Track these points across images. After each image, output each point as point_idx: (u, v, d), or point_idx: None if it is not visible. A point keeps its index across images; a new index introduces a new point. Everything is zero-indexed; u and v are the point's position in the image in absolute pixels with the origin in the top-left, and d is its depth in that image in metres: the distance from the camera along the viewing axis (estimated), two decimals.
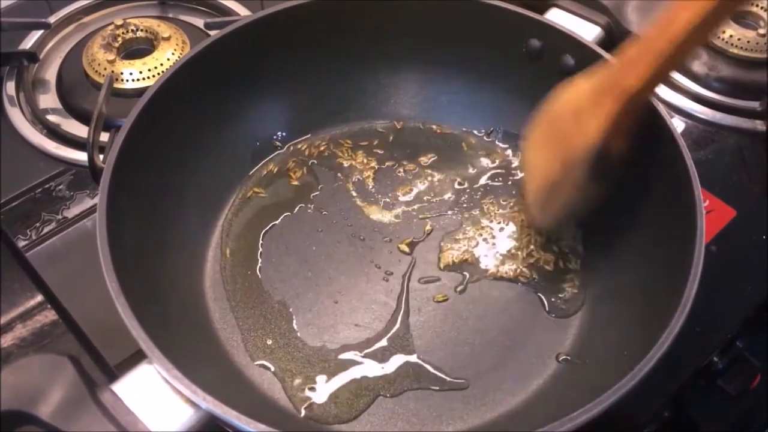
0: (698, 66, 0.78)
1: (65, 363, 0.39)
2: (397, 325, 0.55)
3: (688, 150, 0.51)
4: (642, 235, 0.56)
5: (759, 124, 0.73)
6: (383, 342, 0.54)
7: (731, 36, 0.77)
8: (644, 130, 0.55)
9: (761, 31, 0.77)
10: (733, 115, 0.74)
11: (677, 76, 0.78)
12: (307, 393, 0.51)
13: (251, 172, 0.64)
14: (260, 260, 0.58)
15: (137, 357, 0.43)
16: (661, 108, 0.54)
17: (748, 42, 0.77)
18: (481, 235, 0.61)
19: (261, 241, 0.60)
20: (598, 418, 0.40)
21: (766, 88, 0.75)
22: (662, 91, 0.77)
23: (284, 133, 0.65)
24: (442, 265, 0.59)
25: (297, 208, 0.62)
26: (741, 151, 0.73)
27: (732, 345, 0.63)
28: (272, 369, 0.53)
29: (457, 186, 0.64)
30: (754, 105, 0.75)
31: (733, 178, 0.71)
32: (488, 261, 0.59)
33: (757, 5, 0.80)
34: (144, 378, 0.41)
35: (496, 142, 0.67)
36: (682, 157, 0.51)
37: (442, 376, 0.53)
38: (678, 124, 0.74)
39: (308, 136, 0.66)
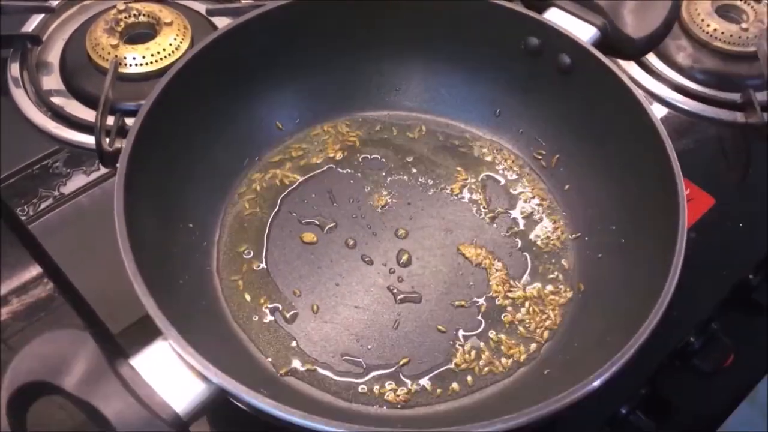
0: (682, 58, 0.80)
1: (86, 337, 0.41)
2: (395, 307, 0.57)
3: (669, 140, 0.53)
4: (623, 223, 0.58)
5: (739, 116, 0.75)
6: (381, 322, 0.57)
7: (715, 30, 0.79)
8: (627, 121, 0.57)
9: (744, 25, 0.79)
10: (714, 106, 0.77)
11: (661, 66, 0.79)
12: (313, 370, 0.54)
13: (258, 159, 0.65)
14: (266, 243, 0.60)
15: (138, 326, 0.43)
16: (643, 99, 0.56)
17: (731, 36, 0.79)
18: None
19: (268, 225, 0.61)
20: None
21: (746, 80, 0.78)
22: (645, 80, 0.78)
23: (290, 122, 0.66)
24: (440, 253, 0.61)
25: (302, 194, 0.64)
26: (721, 141, 0.75)
27: (708, 326, 0.66)
28: (278, 346, 0.55)
29: (458, 178, 0.65)
30: (735, 97, 0.77)
31: (713, 168, 0.73)
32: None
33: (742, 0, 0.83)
34: (160, 353, 0.42)
35: (495, 136, 0.68)
36: (664, 147, 0.53)
37: (436, 355, 0.55)
38: (658, 112, 0.75)
39: (313, 125, 0.67)
